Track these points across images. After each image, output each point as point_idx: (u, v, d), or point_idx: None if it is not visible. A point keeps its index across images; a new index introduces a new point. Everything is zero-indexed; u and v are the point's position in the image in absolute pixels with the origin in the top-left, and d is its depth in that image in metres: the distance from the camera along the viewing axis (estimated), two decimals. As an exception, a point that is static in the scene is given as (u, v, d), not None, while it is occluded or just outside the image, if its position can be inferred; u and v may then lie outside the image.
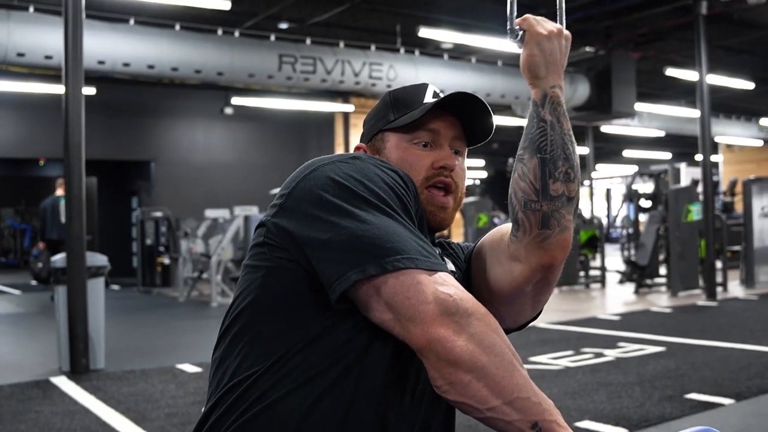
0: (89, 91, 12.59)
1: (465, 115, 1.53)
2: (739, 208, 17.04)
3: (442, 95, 1.55)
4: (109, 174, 17.93)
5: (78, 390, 6.09)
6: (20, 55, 10.36)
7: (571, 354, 7.20)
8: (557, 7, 1.53)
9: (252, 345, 1.32)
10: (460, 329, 1.21)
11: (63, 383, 6.35)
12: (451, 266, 1.55)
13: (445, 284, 1.25)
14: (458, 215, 15.90)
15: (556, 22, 1.51)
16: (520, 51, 1.45)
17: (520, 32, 1.44)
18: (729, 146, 25.33)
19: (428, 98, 1.54)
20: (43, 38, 10.25)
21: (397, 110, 1.54)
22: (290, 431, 1.26)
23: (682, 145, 25.50)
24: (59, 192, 11.57)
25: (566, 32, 1.47)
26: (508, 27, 1.45)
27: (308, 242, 1.29)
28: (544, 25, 1.45)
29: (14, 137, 15.00)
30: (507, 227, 1.51)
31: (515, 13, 1.45)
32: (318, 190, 1.32)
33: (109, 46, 10.92)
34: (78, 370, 6.69)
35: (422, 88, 1.57)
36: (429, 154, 1.51)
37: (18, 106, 14.65)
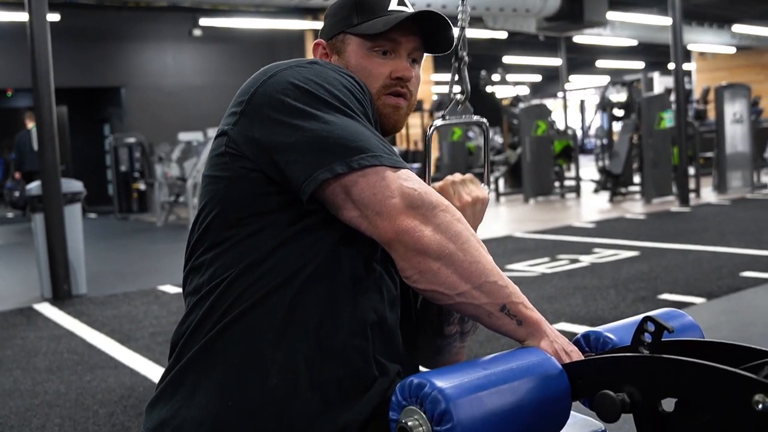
0: (53, 17, 12.32)
1: (427, 27, 1.54)
2: (712, 115, 17.10)
3: (408, 2, 1.56)
4: (79, 102, 17.66)
5: (62, 315, 6.14)
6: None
7: (547, 261, 7.33)
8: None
9: (225, 252, 1.35)
10: (426, 220, 1.26)
11: (46, 309, 6.40)
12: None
13: (409, 180, 1.29)
14: (433, 131, 15.89)
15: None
16: None
17: None
18: (702, 54, 25.28)
19: (393, 5, 1.54)
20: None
21: (361, 14, 1.53)
22: (275, 329, 1.30)
23: (654, 54, 25.43)
24: (30, 125, 11.46)
25: (483, 196, 1.55)
26: None
27: (274, 147, 1.31)
28: (460, 193, 1.53)
29: (-21, 67, 14.73)
30: None
31: None
32: (279, 95, 1.33)
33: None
34: (60, 296, 6.73)
35: None
36: (387, 63, 1.52)
37: (-19, 36, 14.35)
